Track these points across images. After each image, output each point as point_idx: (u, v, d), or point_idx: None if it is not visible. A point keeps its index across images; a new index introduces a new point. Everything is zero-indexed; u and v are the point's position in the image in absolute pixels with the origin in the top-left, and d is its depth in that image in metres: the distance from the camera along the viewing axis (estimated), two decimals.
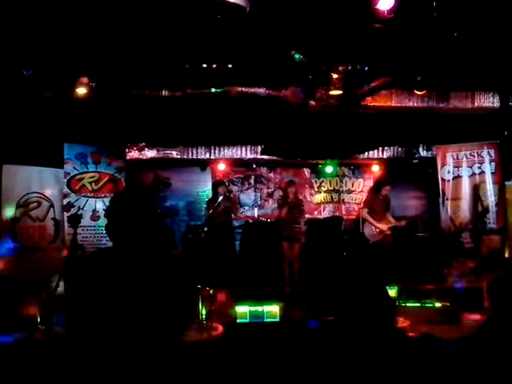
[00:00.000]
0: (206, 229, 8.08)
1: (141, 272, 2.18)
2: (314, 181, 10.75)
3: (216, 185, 8.52)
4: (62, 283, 5.32)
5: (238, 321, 5.36)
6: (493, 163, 8.30)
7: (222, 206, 8.06)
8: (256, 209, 10.46)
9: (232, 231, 8.61)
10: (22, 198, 7.51)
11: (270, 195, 10.60)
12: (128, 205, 2.30)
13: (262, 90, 7.26)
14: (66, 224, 7.61)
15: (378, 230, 7.94)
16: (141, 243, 2.25)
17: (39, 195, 7.68)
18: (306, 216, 8.61)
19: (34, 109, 6.97)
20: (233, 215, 8.51)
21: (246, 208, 10.47)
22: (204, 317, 4.85)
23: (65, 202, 7.91)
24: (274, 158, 9.77)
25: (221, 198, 8.01)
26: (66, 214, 7.74)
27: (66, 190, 7.95)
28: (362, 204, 9.16)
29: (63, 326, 3.33)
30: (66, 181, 7.95)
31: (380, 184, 8.35)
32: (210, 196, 8.75)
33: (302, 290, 7.82)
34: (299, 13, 5.16)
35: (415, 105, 7.65)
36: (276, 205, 10.21)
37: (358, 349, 2.27)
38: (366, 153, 9.78)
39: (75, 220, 7.01)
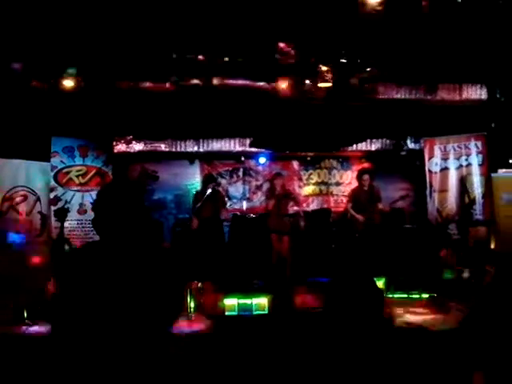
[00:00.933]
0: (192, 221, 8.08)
1: (127, 265, 2.17)
2: (302, 173, 10.76)
3: (206, 179, 8.51)
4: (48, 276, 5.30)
5: (226, 313, 5.36)
6: (480, 155, 8.34)
7: (210, 199, 8.04)
8: (244, 201, 10.45)
9: (220, 224, 8.59)
10: (8, 192, 7.43)
11: (259, 188, 10.59)
12: (115, 198, 2.28)
13: (250, 83, 7.23)
14: (52, 218, 7.55)
15: (360, 221, 8.03)
16: (128, 237, 2.24)
17: (26, 189, 7.61)
18: (295, 208, 8.58)
19: (21, 101, 6.91)
20: (221, 210, 8.46)
21: (235, 201, 10.46)
22: (192, 310, 4.85)
23: (52, 195, 7.84)
24: (263, 150, 9.77)
25: (209, 190, 8.00)
26: (52, 208, 7.68)
27: (52, 183, 7.88)
28: (347, 198, 9.22)
29: (50, 320, 3.32)
30: (52, 174, 7.89)
31: (359, 173, 8.48)
32: (199, 188, 8.74)
33: (292, 281, 7.83)
34: (288, 4, 5.14)
35: (403, 97, 7.66)
36: (264, 197, 10.22)
37: (347, 340, 2.27)
38: (355, 145, 9.81)
39: (62, 214, 6.95)
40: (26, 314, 4.35)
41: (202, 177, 9.01)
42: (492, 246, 7.83)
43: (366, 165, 10.11)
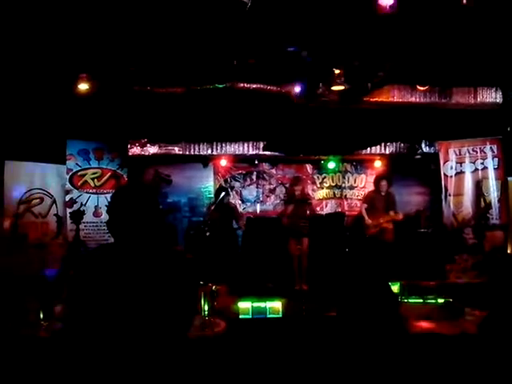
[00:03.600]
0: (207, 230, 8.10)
1: (142, 268, 2.18)
2: (316, 177, 10.75)
3: (217, 190, 8.59)
4: (64, 279, 5.33)
5: (240, 317, 5.37)
6: (495, 159, 8.28)
7: (222, 211, 8.07)
8: (258, 205, 10.47)
9: (233, 230, 8.63)
10: (24, 195, 7.52)
11: (272, 191, 10.60)
12: (129, 200, 2.30)
13: (264, 86, 7.23)
14: (68, 220, 7.62)
15: (372, 224, 7.99)
16: (142, 239, 2.25)
17: (42, 191, 7.69)
18: (308, 212, 8.60)
19: (37, 105, 6.97)
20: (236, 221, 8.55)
21: (248, 204, 10.49)
22: (206, 313, 4.85)
23: (67, 198, 7.92)
24: (276, 154, 9.77)
25: (223, 193, 8.01)
26: (68, 210, 7.75)
27: (68, 186, 7.96)
28: (362, 199, 9.19)
29: (65, 321, 3.35)
30: (68, 177, 7.96)
31: (377, 179, 8.42)
32: (212, 199, 8.87)
33: (308, 286, 7.81)
34: (302, 8, 5.14)
35: (417, 100, 7.62)
36: (278, 201, 10.24)
37: (361, 344, 2.27)
38: (369, 148, 9.78)
39: (77, 216, 7.01)
40: (42, 315, 4.40)
41: (217, 190, 9.09)
42: (509, 251, 7.74)
43: (382, 170, 10.05)
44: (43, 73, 6.40)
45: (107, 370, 2.08)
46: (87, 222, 7.78)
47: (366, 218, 8.09)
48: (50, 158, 7.80)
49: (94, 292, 2.15)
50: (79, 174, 8.07)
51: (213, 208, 8.06)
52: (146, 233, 2.26)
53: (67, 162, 7.96)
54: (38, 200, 7.63)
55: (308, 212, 8.24)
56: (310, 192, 10.61)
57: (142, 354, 2.10)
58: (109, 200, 2.43)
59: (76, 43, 5.82)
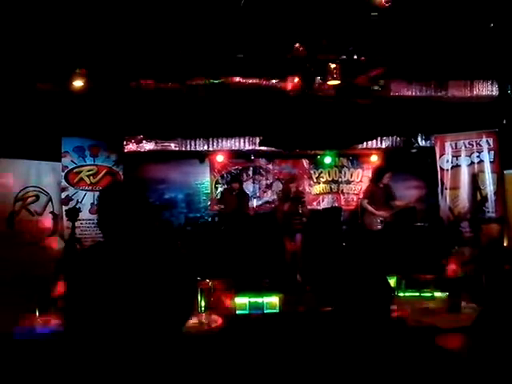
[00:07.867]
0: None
1: (135, 265, 2.16)
2: (312, 172, 10.77)
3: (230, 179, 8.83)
4: (59, 277, 5.32)
5: (237, 312, 5.36)
6: (491, 152, 8.27)
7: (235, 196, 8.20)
8: (255, 200, 10.48)
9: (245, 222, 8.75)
10: (20, 192, 7.49)
11: (269, 186, 10.61)
12: (115, 198, 2.26)
13: (260, 81, 7.22)
14: (64, 218, 7.59)
15: (379, 219, 7.88)
16: (132, 236, 2.21)
17: (37, 189, 7.66)
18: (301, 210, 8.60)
19: (31, 102, 6.94)
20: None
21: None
22: (203, 309, 4.84)
23: (63, 195, 7.89)
24: (273, 149, 9.77)
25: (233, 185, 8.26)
26: (64, 208, 7.72)
27: (63, 183, 7.93)
28: (362, 194, 9.14)
29: (61, 319, 3.34)
30: (63, 174, 7.93)
31: (380, 172, 8.28)
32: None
33: (303, 281, 7.81)
34: (297, 2, 5.13)
35: (413, 94, 7.62)
36: (275, 196, 10.24)
37: (357, 338, 2.27)
38: (365, 143, 9.78)
39: (73, 213, 6.95)
40: (37, 313, 4.39)
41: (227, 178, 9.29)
42: (505, 244, 7.76)
43: (381, 162, 10.03)
44: (38, 69, 6.38)
45: (104, 366, 2.07)
46: (83, 220, 7.75)
47: (373, 210, 7.92)
48: (45, 155, 7.77)
49: (88, 290, 2.14)
50: (75, 171, 8.03)
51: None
52: (135, 229, 2.23)
53: (62, 159, 7.92)
54: (33, 197, 7.60)
55: (301, 210, 8.23)
56: (307, 187, 10.62)
57: (139, 350, 2.09)
58: None
59: (71, 40, 5.80)
